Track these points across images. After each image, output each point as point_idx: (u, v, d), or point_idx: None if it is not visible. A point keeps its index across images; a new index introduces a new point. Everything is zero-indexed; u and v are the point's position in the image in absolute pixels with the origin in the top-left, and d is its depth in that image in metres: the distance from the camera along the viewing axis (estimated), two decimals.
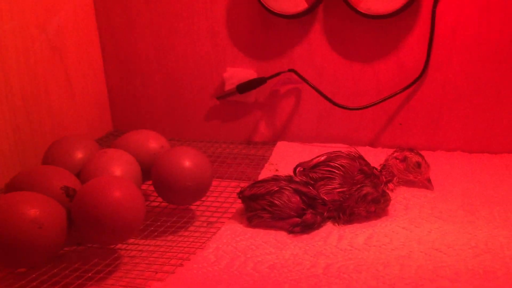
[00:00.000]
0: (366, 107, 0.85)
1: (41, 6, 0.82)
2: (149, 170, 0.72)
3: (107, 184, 0.60)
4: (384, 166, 0.74)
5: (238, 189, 0.75)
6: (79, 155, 0.72)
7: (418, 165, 0.73)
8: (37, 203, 0.56)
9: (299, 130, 0.91)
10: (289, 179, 0.68)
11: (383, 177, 0.72)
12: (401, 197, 0.71)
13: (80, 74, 0.92)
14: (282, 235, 0.63)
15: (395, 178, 0.73)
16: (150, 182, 0.73)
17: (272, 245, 0.61)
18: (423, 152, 0.78)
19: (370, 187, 0.66)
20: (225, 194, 0.76)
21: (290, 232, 0.64)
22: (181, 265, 0.58)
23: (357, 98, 0.86)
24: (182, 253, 0.61)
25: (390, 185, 0.73)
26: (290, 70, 0.86)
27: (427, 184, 0.73)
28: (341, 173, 0.69)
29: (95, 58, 0.95)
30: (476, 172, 0.77)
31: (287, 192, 0.66)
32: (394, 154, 0.74)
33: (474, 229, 0.62)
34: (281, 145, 0.89)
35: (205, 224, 0.69)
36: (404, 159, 0.73)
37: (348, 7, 0.80)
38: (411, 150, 0.74)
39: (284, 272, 0.55)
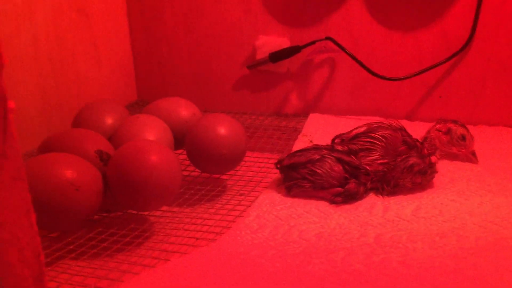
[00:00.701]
0: (405, 78, 0.82)
1: None
2: (180, 139, 0.69)
3: (143, 148, 0.58)
4: (426, 139, 0.70)
5: (272, 161, 0.73)
6: (110, 120, 0.70)
7: (463, 137, 0.69)
8: (74, 165, 0.54)
9: (331, 103, 0.88)
10: (330, 148, 0.65)
11: (426, 149, 0.69)
12: (445, 170, 0.68)
13: (106, 39, 0.89)
14: (323, 205, 0.61)
15: (437, 151, 0.70)
16: (180, 151, 0.71)
17: (315, 215, 0.59)
18: None
19: (416, 157, 0.63)
20: (258, 164, 0.73)
21: (332, 202, 0.62)
22: (221, 232, 0.56)
23: (395, 69, 0.83)
24: (222, 220, 0.59)
25: (433, 158, 0.70)
26: (327, 38, 0.83)
27: (471, 157, 0.70)
28: (383, 144, 0.66)
29: (121, 24, 0.92)
30: None
31: (329, 161, 0.63)
32: (437, 126, 0.71)
33: None
34: (313, 117, 0.86)
35: (240, 194, 0.66)
36: (448, 131, 0.70)
37: None
38: (455, 122, 0.71)
39: (333, 241, 0.52)
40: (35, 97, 0.74)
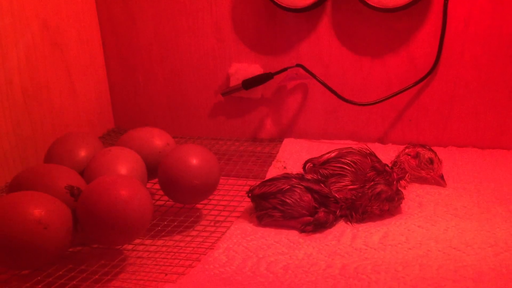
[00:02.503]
0: (375, 102, 0.83)
1: (42, 1, 0.80)
2: (154, 169, 0.70)
3: (113, 183, 0.58)
4: (395, 163, 0.72)
5: (246, 187, 0.73)
6: (83, 153, 0.70)
7: (431, 161, 0.71)
8: (42, 203, 0.54)
9: (306, 127, 0.89)
10: (300, 177, 0.66)
11: (395, 174, 0.70)
12: (414, 194, 0.69)
13: (82, 70, 0.89)
14: (293, 235, 0.62)
15: (407, 175, 0.72)
16: (155, 180, 0.71)
17: (285, 245, 0.59)
18: (434, 149, 0.77)
19: (383, 184, 0.64)
20: (232, 192, 0.74)
21: (302, 231, 0.62)
22: (191, 266, 0.56)
23: (366, 93, 0.84)
24: (192, 253, 0.60)
25: (403, 182, 0.71)
26: (298, 65, 0.84)
27: (440, 180, 0.71)
28: (353, 169, 0.67)
29: (96, 54, 0.93)
30: (489, 168, 0.75)
31: (298, 191, 0.64)
32: (406, 151, 0.72)
33: (491, 226, 0.60)
34: (288, 142, 0.88)
35: (213, 224, 0.67)
36: (417, 156, 0.71)
37: (358, 0, 0.78)
38: (423, 146, 0.72)
39: (300, 273, 0.53)
40: (8, 131, 0.75)
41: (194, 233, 0.65)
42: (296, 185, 0.64)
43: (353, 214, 0.64)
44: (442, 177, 0.72)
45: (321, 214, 0.63)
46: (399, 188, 0.67)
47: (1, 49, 0.73)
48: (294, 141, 0.88)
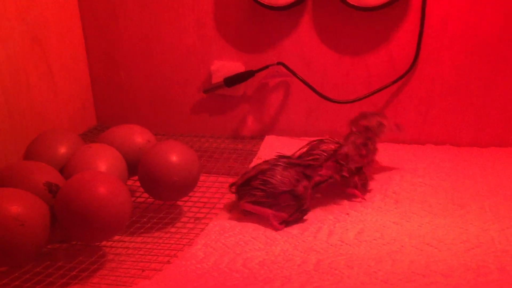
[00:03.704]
0: (355, 100, 0.84)
1: None
2: (135, 165, 0.70)
3: (91, 179, 0.58)
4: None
5: (226, 184, 0.74)
6: (62, 150, 0.70)
7: (380, 124, 0.72)
8: (19, 200, 0.55)
9: (287, 124, 0.90)
10: (279, 157, 0.67)
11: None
12: (391, 191, 0.70)
13: (63, 66, 0.89)
14: (271, 231, 0.62)
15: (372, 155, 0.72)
16: (136, 177, 0.72)
17: (262, 241, 0.60)
18: (412, 146, 0.78)
19: (352, 135, 0.69)
20: (212, 189, 0.75)
21: (276, 228, 0.63)
22: (169, 262, 0.57)
23: (346, 91, 0.85)
24: (170, 250, 0.60)
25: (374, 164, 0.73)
26: (279, 63, 0.85)
27: (397, 130, 0.74)
28: (325, 156, 0.69)
29: (78, 50, 0.93)
30: (465, 166, 0.76)
31: (278, 168, 0.65)
32: (353, 138, 0.71)
33: (464, 223, 0.61)
34: (269, 139, 0.88)
35: (192, 220, 0.67)
36: (366, 129, 0.72)
37: None
38: (363, 116, 0.73)
39: (275, 269, 0.54)
40: None
41: (173, 229, 0.66)
42: (276, 163, 0.65)
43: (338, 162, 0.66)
44: (398, 126, 0.74)
45: (300, 187, 0.64)
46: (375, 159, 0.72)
47: None
48: (275, 139, 0.89)
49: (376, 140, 0.72)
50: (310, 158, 0.68)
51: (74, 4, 0.91)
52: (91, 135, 0.93)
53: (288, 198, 0.64)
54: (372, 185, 0.72)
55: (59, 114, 0.89)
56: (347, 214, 0.65)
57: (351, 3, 0.79)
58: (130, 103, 0.96)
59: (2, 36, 0.76)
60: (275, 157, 0.68)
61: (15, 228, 0.53)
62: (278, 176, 0.64)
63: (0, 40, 0.76)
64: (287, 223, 0.63)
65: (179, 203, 0.72)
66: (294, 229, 0.62)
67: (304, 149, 0.70)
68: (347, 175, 0.67)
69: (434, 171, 0.75)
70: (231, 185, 0.68)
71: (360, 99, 0.84)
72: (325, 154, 0.68)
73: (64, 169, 0.66)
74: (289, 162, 0.66)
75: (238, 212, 0.67)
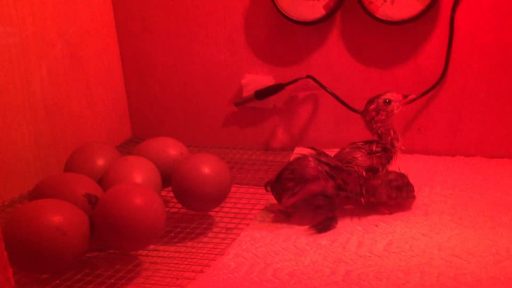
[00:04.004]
0: None
1: (62, 15, 0.83)
2: (168, 177, 0.73)
3: (128, 191, 0.61)
4: (379, 135, 0.72)
5: (257, 195, 0.77)
6: (100, 162, 0.73)
7: (388, 101, 0.71)
8: (60, 210, 0.57)
9: (316, 136, 0.91)
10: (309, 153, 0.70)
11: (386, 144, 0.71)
12: (420, 203, 0.70)
13: (100, 81, 0.93)
14: (301, 242, 0.64)
15: (391, 131, 0.72)
16: (169, 188, 0.74)
17: (291, 252, 0.61)
18: (442, 158, 0.78)
19: (395, 174, 0.68)
20: (243, 200, 0.76)
21: (312, 227, 0.65)
22: (202, 271, 0.59)
23: None
24: (202, 259, 0.62)
25: (396, 143, 0.72)
26: (308, 77, 0.87)
27: (407, 99, 0.72)
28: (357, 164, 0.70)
29: (114, 66, 0.97)
30: (496, 178, 0.76)
31: (305, 158, 0.68)
32: (367, 118, 0.72)
33: (495, 235, 0.61)
34: (299, 151, 0.89)
35: (224, 230, 0.69)
36: (377, 109, 0.71)
37: (366, 13, 0.80)
38: (370, 101, 0.72)
39: (304, 279, 0.55)
40: (30, 141, 0.78)
41: (205, 239, 0.68)
42: (304, 155, 0.68)
43: (364, 192, 0.66)
44: (405, 96, 0.72)
45: (329, 188, 0.65)
46: (397, 147, 0.71)
47: (25, 62, 0.77)
48: (305, 150, 0.90)
49: (391, 118, 0.71)
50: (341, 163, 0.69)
51: (111, 22, 0.95)
52: (127, 147, 0.97)
53: (320, 198, 0.66)
54: None
55: (97, 127, 0.93)
56: (376, 225, 0.66)
57: (380, 17, 0.80)
58: (164, 116, 0.99)
59: (44, 54, 0.80)
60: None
61: (57, 237, 0.56)
62: (303, 162, 0.67)
63: (42, 57, 0.80)
64: (317, 229, 0.65)
65: (211, 213, 0.74)
66: (324, 240, 0.63)
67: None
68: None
69: (465, 183, 0.75)
70: (266, 184, 0.71)
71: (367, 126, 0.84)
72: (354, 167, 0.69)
73: (102, 181, 0.69)
74: (318, 156, 0.68)
75: (270, 222, 0.69)
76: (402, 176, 0.69)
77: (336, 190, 0.67)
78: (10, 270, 0.36)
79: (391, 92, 0.72)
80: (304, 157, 0.69)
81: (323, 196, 0.66)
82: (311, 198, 0.67)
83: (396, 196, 0.67)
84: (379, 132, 0.72)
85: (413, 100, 0.72)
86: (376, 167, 0.69)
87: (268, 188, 0.71)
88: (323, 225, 0.65)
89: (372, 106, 0.71)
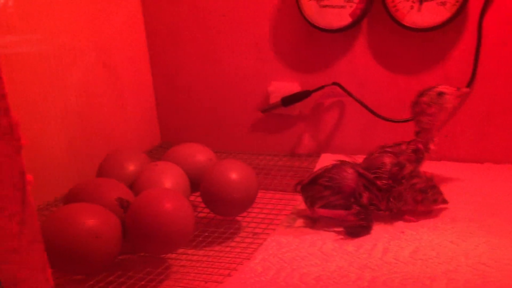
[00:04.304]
0: (410, 119, 0.85)
1: (95, 23, 0.86)
2: (197, 182, 0.74)
3: (158, 196, 0.63)
4: (417, 133, 0.72)
5: (283, 201, 0.77)
6: (131, 167, 0.75)
7: (441, 94, 0.69)
8: (94, 214, 0.60)
9: (343, 143, 0.92)
10: (346, 160, 0.70)
11: (419, 143, 0.71)
12: (448, 210, 0.70)
13: (130, 88, 0.96)
14: (327, 247, 0.64)
15: (433, 131, 0.71)
16: (198, 193, 0.76)
17: (318, 257, 0.62)
18: (470, 165, 0.78)
19: (419, 177, 0.67)
20: (270, 205, 0.77)
21: (348, 232, 0.65)
22: (229, 275, 0.60)
23: (401, 110, 0.86)
24: (230, 263, 0.63)
25: (431, 145, 0.72)
26: (334, 84, 0.87)
27: (462, 94, 0.70)
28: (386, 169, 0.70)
29: (144, 74, 0.99)
30: None
31: (342, 166, 0.68)
32: (417, 110, 0.71)
33: None
34: (325, 157, 0.90)
35: (251, 235, 0.70)
36: (429, 102, 0.69)
37: (392, 20, 0.81)
38: (421, 93, 0.70)
39: (330, 284, 0.56)
40: (65, 147, 0.81)
41: (233, 244, 0.69)
42: (343, 162, 0.69)
43: (391, 199, 0.66)
44: (458, 89, 0.70)
45: (364, 198, 0.65)
46: (432, 147, 0.69)
47: (59, 70, 0.80)
48: (331, 157, 0.90)
49: (443, 112, 0.69)
50: (375, 175, 0.69)
51: (141, 31, 0.98)
52: (156, 153, 0.99)
53: (355, 207, 0.67)
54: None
55: (128, 133, 0.95)
56: (402, 232, 0.66)
57: (406, 24, 0.80)
58: (192, 122, 1.01)
59: (78, 63, 0.83)
60: (344, 159, 0.71)
61: (91, 240, 0.58)
62: (343, 173, 0.67)
63: (76, 66, 0.83)
64: (347, 233, 0.65)
65: (238, 218, 0.75)
66: (349, 246, 0.64)
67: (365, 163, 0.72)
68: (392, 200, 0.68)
69: (493, 190, 0.75)
70: (297, 184, 0.71)
71: (413, 119, 0.84)
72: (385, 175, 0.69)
73: (133, 186, 0.71)
74: (355, 167, 0.69)
75: (296, 227, 0.70)
76: (427, 179, 0.68)
77: (370, 201, 0.67)
78: (49, 271, 0.38)
79: (445, 85, 0.70)
80: (343, 167, 0.68)
81: (359, 207, 0.66)
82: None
83: (422, 199, 0.67)
84: (423, 127, 0.70)
85: (467, 94, 0.69)
86: (403, 162, 0.69)
87: (298, 188, 0.71)
88: (354, 231, 0.66)
89: (424, 99, 0.69)
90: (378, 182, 0.68)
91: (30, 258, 0.36)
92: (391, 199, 0.67)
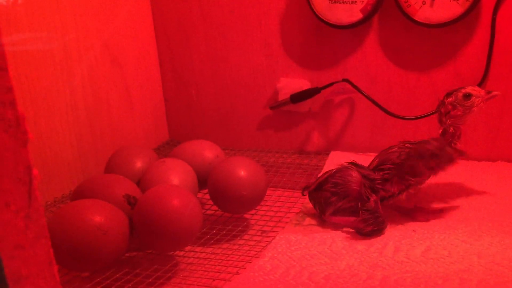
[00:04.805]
0: (421, 117, 0.84)
1: (103, 20, 0.86)
2: (204, 179, 0.74)
3: (165, 193, 0.62)
4: (444, 132, 0.68)
5: (292, 199, 0.77)
6: (139, 164, 0.75)
7: (468, 95, 0.66)
8: (101, 211, 0.59)
9: (352, 140, 0.91)
10: (348, 163, 0.69)
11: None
12: (459, 209, 0.69)
13: (139, 86, 0.95)
14: (337, 246, 0.63)
15: (457, 136, 0.68)
16: (205, 190, 0.75)
17: (327, 255, 0.61)
18: (482, 163, 0.76)
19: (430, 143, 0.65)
20: (278, 203, 0.77)
21: (360, 232, 0.64)
22: (237, 273, 0.59)
23: (412, 107, 0.85)
24: (238, 261, 0.63)
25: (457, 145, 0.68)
26: (344, 80, 0.86)
27: (489, 98, 0.66)
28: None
29: (152, 71, 0.99)
30: None
31: (345, 169, 0.67)
32: (443, 110, 0.67)
33: None
34: (334, 155, 0.89)
35: (259, 233, 0.70)
36: (454, 104, 0.66)
37: (404, 16, 0.80)
38: (448, 93, 0.67)
39: (340, 283, 0.55)
40: (72, 143, 0.81)
41: (241, 241, 0.68)
42: (344, 166, 0.68)
43: (406, 177, 0.65)
44: (488, 92, 0.66)
45: (371, 202, 0.64)
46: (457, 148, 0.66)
47: (67, 67, 0.79)
48: (340, 154, 0.90)
49: (469, 116, 0.66)
50: (381, 173, 0.68)
51: (150, 27, 0.97)
52: (164, 150, 0.99)
53: (364, 213, 0.65)
54: (440, 202, 0.71)
55: (135, 130, 0.95)
56: (414, 231, 0.65)
57: (418, 20, 0.79)
58: (200, 119, 1.00)
59: (86, 60, 0.83)
60: (345, 163, 0.70)
61: (98, 237, 0.57)
62: (347, 177, 0.66)
63: (84, 62, 0.83)
64: (361, 234, 0.64)
65: (246, 216, 0.74)
66: (360, 245, 0.63)
67: (376, 162, 0.70)
68: (413, 191, 0.67)
69: (505, 189, 0.73)
70: (305, 188, 0.71)
71: (426, 116, 0.83)
72: (393, 167, 0.67)
73: (141, 182, 0.71)
74: (358, 169, 0.68)
75: (305, 225, 0.69)
76: (435, 142, 0.65)
77: (377, 203, 0.66)
78: (55, 267, 0.37)
79: (474, 86, 0.67)
80: (346, 171, 0.68)
81: (367, 211, 0.65)
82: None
83: (436, 164, 0.64)
84: (448, 129, 0.67)
85: (496, 96, 0.66)
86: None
87: (305, 193, 0.71)
88: (366, 234, 0.65)
89: (450, 99, 0.67)
90: (383, 175, 0.67)
91: (36, 254, 0.35)
92: (406, 177, 0.65)
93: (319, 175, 0.74)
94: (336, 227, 0.68)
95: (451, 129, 0.67)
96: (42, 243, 0.36)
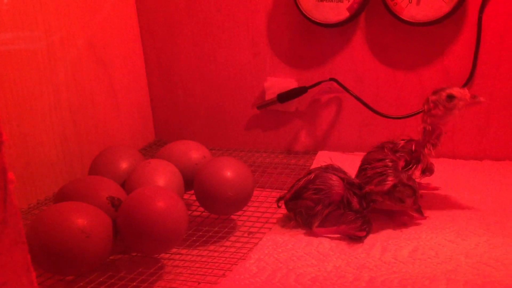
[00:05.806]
0: (409, 116, 0.83)
1: (87, 20, 0.85)
2: (191, 180, 0.73)
3: (151, 194, 0.61)
4: (423, 132, 0.67)
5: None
6: (124, 165, 0.74)
7: (451, 96, 0.64)
8: (85, 213, 0.58)
9: (340, 140, 0.90)
10: (324, 167, 0.67)
11: (412, 144, 0.67)
12: (447, 210, 0.69)
13: (125, 85, 0.94)
14: (324, 247, 0.63)
15: (435, 135, 0.67)
16: (192, 191, 0.74)
17: (314, 257, 0.61)
18: (469, 162, 0.76)
19: (393, 178, 0.64)
20: (266, 204, 0.76)
21: (353, 238, 0.63)
22: (224, 275, 0.59)
23: (400, 106, 0.85)
24: (224, 263, 0.62)
25: (426, 150, 0.67)
26: (331, 79, 0.86)
27: (475, 102, 0.64)
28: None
29: (138, 70, 0.98)
30: None
31: (324, 174, 0.65)
32: (426, 109, 0.66)
33: None
34: (322, 155, 0.89)
35: (246, 235, 0.69)
36: (436, 103, 0.64)
37: (391, 15, 0.79)
38: (434, 91, 0.65)
39: (327, 285, 0.54)
40: (56, 144, 0.80)
41: (228, 243, 0.67)
42: (322, 171, 0.66)
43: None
44: (473, 97, 0.64)
45: (354, 203, 0.64)
46: (426, 152, 0.66)
47: (51, 67, 0.78)
48: (328, 154, 0.89)
49: (449, 117, 0.65)
50: (363, 177, 0.67)
51: (135, 26, 0.96)
52: (150, 150, 0.97)
53: (350, 214, 0.65)
54: (427, 202, 0.71)
55: (121, 130, 0.94)
56: (401, 231, 0.65)
57: (405, 18, 0.79)
58: (187, 119, 0.99)
59: (71, 60, 0.82)
60: (321, 166, 0.68)
61: (81, 240, 0.56)
62: (329, 181, 0.65)
63: (69, 63, 0.81)
64: (359, 239, 0.63)
65: (233, 217, 0.74)
66: (347, 246, 0.62)
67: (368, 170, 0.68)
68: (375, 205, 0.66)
69: (493, 188, 0.73)
70: (279, 199, 0.69)
71: (414, 114, 0.83)
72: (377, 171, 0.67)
73: (126, 184, 0.70)
74: (334, 173, 0.66)
75: (291, 227, 0.68)
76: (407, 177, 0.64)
77: (363, 204, 0.65)
78: (33, 273, 0.36)
79: (461, 88, 0.65)
80: (326, 175, 0.65)
81: (353, 213, 0.65)
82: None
83: (401, 207, 0.65)
84: (426, 128, 0.66)
85: (480, 103, 0.64)
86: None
87: (281, 205, 0.69)
88: (362, 238, 0.64)
89: (434, 98, 0.65)
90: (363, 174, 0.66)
91: (13, 260, 0.34)
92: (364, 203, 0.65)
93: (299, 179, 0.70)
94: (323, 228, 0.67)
95: (429, 128, 0.66)
96: (19, 249, 0.35)
